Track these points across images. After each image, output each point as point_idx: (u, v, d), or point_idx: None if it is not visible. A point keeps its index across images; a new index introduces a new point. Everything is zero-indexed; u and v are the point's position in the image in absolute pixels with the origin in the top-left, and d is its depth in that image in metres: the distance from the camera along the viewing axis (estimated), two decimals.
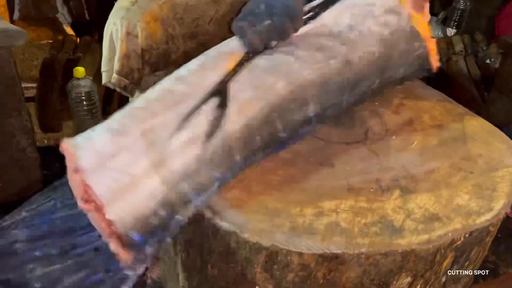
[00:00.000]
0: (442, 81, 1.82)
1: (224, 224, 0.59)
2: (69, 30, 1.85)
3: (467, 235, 0.61)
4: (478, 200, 0.66)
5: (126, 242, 0.51)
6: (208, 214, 0.60)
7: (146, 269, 1.01)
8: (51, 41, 1.67)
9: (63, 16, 1.92)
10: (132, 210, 0.51)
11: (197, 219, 0.62)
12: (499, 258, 1.17)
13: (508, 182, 0.69)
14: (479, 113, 1.64)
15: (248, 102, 0.62)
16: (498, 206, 0.65)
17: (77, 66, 1.54)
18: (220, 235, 0.60)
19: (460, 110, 0.88)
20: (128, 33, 0.93)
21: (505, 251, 1.20)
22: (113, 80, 0.96)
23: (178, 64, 1.03)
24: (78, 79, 1.25)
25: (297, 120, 0.66)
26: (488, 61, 1.88)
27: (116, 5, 0.99)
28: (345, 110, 0.73)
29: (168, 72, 1.04)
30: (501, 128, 1.49)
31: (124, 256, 0.52)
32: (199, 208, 0.59)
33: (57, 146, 0.73)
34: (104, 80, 0.98)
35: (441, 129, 0.81)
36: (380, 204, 0.64)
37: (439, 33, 2.10)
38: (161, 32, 0.97)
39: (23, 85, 1.52)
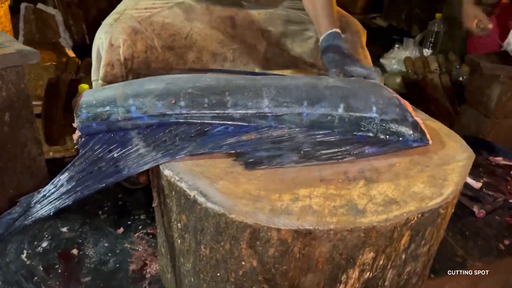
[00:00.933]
0: (419, 96, 1.97)
1: (215, 207, 0.70)
2: (71, 53, 1.98)
3: (419, 216, 0.73)
4: (431, 188, 0.77)
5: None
6: (201, 200, 0.71)
7: (145, 264, 1.11)
8: (55, 62, 1.79)
9: (65, 40, 2.05)
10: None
11: (192, 206, 0.73)
12: (467, 253, 1.28)
13: (457, 174, 0.81)
14: (452, 124, 1.79)
15: None
16: (447, 192, 0.77)
17: (79, 83, 1.67)
18: (211, 217, 0.71)
19: (422, 116, 1.00)
20: (111, 45, 1.08)
21: (473, 247, 1.31)
22: (99, 86, 1.09)
23: (158, 70, 1.18)
24: None
25: (249, 104, 0.81)
26: (460, 78, 2.03)
27: (102, 24, 1.15)
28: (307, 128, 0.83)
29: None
30: (478, 140, 1.62)
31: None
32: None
33: (61, 158, 0.84)
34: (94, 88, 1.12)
35: None
36: (347, 191, 0.75)
37: (416, 53, 2.26)
38: (141, 43, 1.12)
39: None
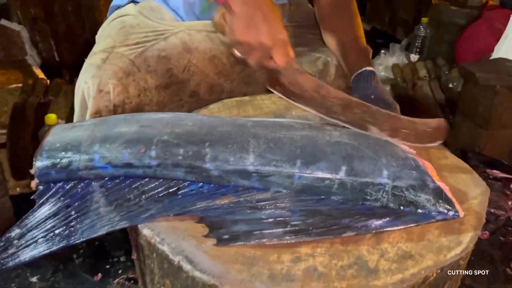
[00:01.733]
0: (409, 106, 1.89)
1: (203, 277, 0.59)
2: (39, 72, 1.84)
3: (439, 271, 0.64)
4: (448, 235, 0.68)
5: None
6: (187, 267, 0.61)
7: None
8: (21, 84, 1.66)
9: (32, 58, 1.92)
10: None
11: (177, 272, 0.62)
12: (475, 281, 1.20)
13: (473, 215, 0.72)
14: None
15: None
16: (467, 239, 0.68)
17: (48, 109, 1.54)
18: (200, 287, 0.60)
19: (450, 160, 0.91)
20: (100, 90, 0.94)
21: (480, 273, 1.23)
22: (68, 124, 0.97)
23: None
24: (50, 126, 1.25)
25: (231, 160, 0.69)
26: (450, 85, 1.97)
27: (87, 62, 1.00)
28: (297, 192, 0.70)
29: None
30: (468, 152, 1.55)
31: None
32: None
33: (30, 193, 0.73)
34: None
35: None
36: (355, 245, 0.65)
37: (403, 59, 2.19)
38: (134, 86, 0.98)
39: None
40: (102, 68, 0.96)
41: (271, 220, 0.66)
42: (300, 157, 0.70)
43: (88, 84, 0.95)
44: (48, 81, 1.76)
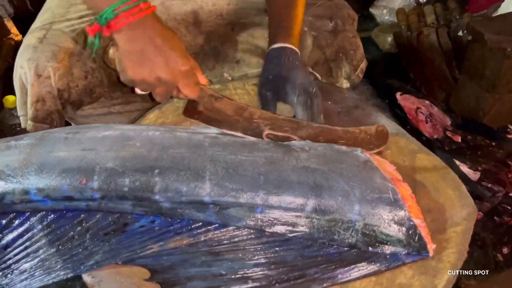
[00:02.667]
0: (413, 59, 1.74)
1: None
2: (11, 26, 1.70)
3: None
4: (422, 277, 0.62)
5: None
6: None
7: None
8: None
9: (3, 8, 1.76)
10: None
11: None
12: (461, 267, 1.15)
13: (454, 248, 0.65)
14: (449, 95, 1.59)
15: None
16: (442, 282, 0.61)
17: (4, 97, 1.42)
18: None
19: (413, 146, 0.82)
20: (38, 76, 0.83)
21: (468, 259, 1.19)
22: (28, 128, 0.87)
23: (105, 97, 0.95)
24: (10, 109, 1.15)
25: (184, 190, 0.61)
26: (460, 32, 1.79)
27: (23, 43, 0.87)
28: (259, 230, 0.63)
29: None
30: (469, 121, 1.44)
31: None
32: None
33: None
34: (22, 125, 0.90)
35: None
36: None
37: (411, 0, 1.98)
38: (79, 67, 0.87)
39: None
40: (39, 50, 0.83)
41: (230, 275, 0.59)
42: (263, 186, 0.62)
43: (24, 68, 0.84)
44: (20, 36, 1.62)
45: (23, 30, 1.74)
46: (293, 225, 0.62)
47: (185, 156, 0.64)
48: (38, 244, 0.63)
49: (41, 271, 0.60)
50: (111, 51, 0.64)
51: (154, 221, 0.64)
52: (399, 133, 0.84)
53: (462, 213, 0.70)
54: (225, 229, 0.63)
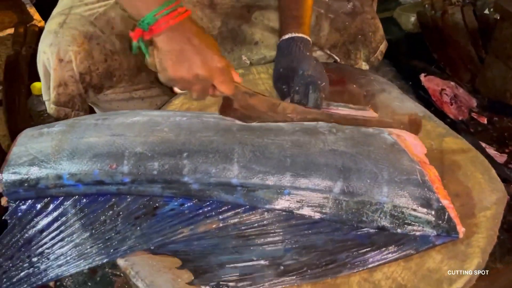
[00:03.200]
0: (437, 39, 1.70)
1: None
2: (33, 12, 1.72)
3: None
4: (451, 262, 0.61)
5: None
6: None
7: None
8: (12, 30, 1.55)
9: None
10: None
11: None
12: None
13: (483, 233, 0.65)
14: (475, 76, 1.55)
15: None
16: (471, 267, 0.61)
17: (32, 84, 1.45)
18: None
19: (440, 129, 0.81)
20: (60, 60, 0.85)
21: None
22: (50, 111, 0.89)
23: (125, 81, 0.96)
24: (38, 96, 1.17)
25: (213, 172, 0.62)
26: (487, 10, 1.74)
27: (45, 29, 0.89)
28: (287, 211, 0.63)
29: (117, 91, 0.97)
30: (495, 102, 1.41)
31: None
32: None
33: None
34: (47, 110, 0.92)
35: None
36: (345, 277, 0.60)
37: None
38: (98, 50, 0.88)
39: None
40: (60, 34, 0.85)
41: (261, 262, 0.59)
42: (290, 168, 0.62)
43: (46, 54, 0.85)
44: (43, 22, 1.64)
45: (46, 16, 1.75)
46: (321, 206, 0.62)
47: (213, 139, 0.65)
48: (72, 228, 0.64)
49: (76, 256, 0.62)
50: (150, 56, 0.66)
51: (183, 204, 0.64)
52: (426, 116, 0.83)
53: (491, 197, 0.69)
54: (254, 211, 0.63)
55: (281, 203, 0.62)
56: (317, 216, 0.62)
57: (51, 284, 1.02)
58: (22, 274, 0.62)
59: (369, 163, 0.63)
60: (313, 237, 0.61)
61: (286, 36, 0.85)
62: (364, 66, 1.07)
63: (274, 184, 0.62)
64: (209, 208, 0.64)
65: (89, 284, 1.03)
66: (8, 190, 0.65)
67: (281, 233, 0.62)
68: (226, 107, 0.72)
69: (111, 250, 0.62)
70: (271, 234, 0.61)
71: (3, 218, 0.66)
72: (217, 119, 0.70)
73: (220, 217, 0.63)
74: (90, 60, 0.87)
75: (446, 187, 0.69)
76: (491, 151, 1.31)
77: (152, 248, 0.61)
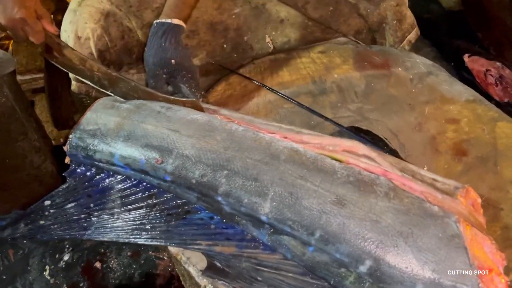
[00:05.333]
0: (481, 18, 1.63)
1: None
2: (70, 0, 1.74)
3: None
4: (507, 250, 0.59)
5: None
6: None
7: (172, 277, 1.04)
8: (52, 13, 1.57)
9: None
10: None
11: None
12: None
13: None
14: None
15: None
16: None
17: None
18: None
19: (492, 113, 0.78)
20: (78, 37, 0.86)
21: None
22: (72, 88, 0.92)
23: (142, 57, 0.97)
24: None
25: (244, 201, 0.58)
26: None
27: (68, 9, 0.91)
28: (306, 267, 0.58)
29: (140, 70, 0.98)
30: None
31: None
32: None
33: None
34: (72, 88, 0.94)
35: (469, 145, 0.72)
36: None
37: None
38: (115, 27, 0.88)
39: (31, 76, 1.48)
40: (78, 12, 0.87)
41: None
42: (323, 227, 0.54)
43: (67, 32, 0.88)
44: None
45: None
46: (342, 277, 0.55)
47: (256, 164, 0.59)
48: (113, 204, 0.67)
49: (111, 227, 0.65)
50: None
51: (213, 218, 0.63)
52: (476, 99, 0.80)
53: None
54: (273, 254, 0.59)
55: (302, 258, 0.57)
56: (334, 284, 0.56)
57: (97, 265, 1.06)
58: (68, 224, 0.67)
59: (412, 251, 0.51)
60: None
61: (158, 21, 0.83)
62: None
63: (301, 237, 0.56)
64: (233, 231, 0.62)
65: (134, 266, 1.06)
66: (71, 151, 0.69)
67: (291, 284, 0.58)
68: (48, 52, 0.76)
69: (137, 233, 0.64)
70: (281, 281, 0.58)
71: (63, 174, 0.73)
72: (271, 140, 0.62)
73: (240, 244, 0.61)
74: (107, 37, 0.88)
75: (500, 174, 0.67)
76: None
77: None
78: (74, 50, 0.76)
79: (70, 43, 0.87)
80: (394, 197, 0.55)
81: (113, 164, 0.67)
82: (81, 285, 1.05)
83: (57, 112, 1.34)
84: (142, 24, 0.90)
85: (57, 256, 1.09)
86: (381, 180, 0.56)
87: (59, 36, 0.77)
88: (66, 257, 1.09)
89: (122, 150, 0.66)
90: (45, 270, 1.06)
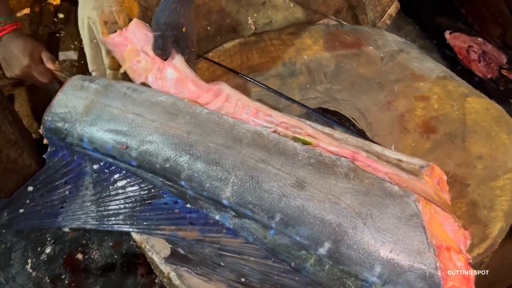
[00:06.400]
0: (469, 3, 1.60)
1: None
2: None
3: None
4: (472, 227, 0.59)
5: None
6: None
7: None
8: (28, 10, 1.56)
9: None
10: None
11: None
12: None
13: (508, 195, 0.62)
14: (505, 30, 1.46)
15: None
16: (494, 232, 0.59)
17: (59, 39, 1.46)
18: None
19: (462, 89, 0.76)
20: (106, 22, 0.84)
21: None
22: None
23: None
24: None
25: (206, 186, 0.58)
26: None
27: None
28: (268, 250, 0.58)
29: None
30: None
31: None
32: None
33: None
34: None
35: (438, 122, 0.71)
36: None
37: None
38: (136, 7, 0.88)
39: None
40: None
41: (227, 268, 0.56)
42: (282, 211, 0.54)
43: (92, 18, 0.85)
44: (58, 0, 1.64)
45: None
46: (302, 260, 0.55)
47: (218, 148, 0.59)
48: (86, 191, 0.67)
49: (80, 214, 0.65)
50: None
51: (177, 202, 0.63)
52: (447, 76, 0.79)
53: None
54: (235, 237, 0.59)
55: (264, 241, 0.57)
56: (295, 267, 0.56)
57: (79, 256, 1.06)
58: (42, 212, 0.68)
59: (370, 232, 0.50)
60: (285, 281, 0.56)
61: None
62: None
63: (262, 220, 0.56)
64: (197, 215, 0.62)
65: (116, 256, 1.06)
66: (46, 134, 0.70)
67: (253, 268, 0.57)
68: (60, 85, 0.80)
69: (103, 220, 0.64)
70: (243, 265, 0.57)
71: (43, 156, 0.74)
72: (234, 123, 0.62)
73: (203, 228, 0.61)
74: (132, 15, 0.87)
75: (468, 150, 0.67)
76: None
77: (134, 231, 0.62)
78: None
79: (98, 29, 0.84)
80: (354, 177, 0.54)
81: (83, 148, 0.67)
82: (63, 277, 1.05)
83: (37, 105, 1.33)
84: (156, 2, 0.89)
85: (39, 249, 1.09)
86: (342, 161, 0.56)
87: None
88: (48, 250, 1.09)
89: (90, 134, 0.66)
90: (27, 264, 1.07)
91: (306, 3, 0.98)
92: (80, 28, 0.88)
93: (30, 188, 0.72)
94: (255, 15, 0.96)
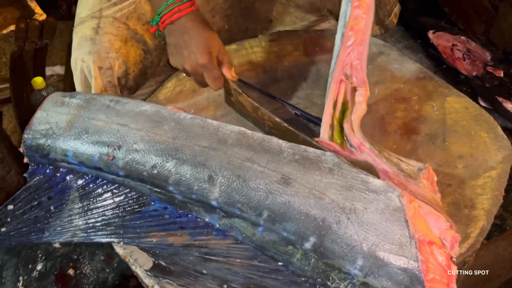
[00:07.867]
0: None
1: None
2: (34, 6, 1.72)
3: None
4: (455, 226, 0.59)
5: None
6: None
7: None
8: (14, 27, 1.56)
9: None
10: None
11: None
12: (506, 210, 1.11)
13: (489, 194, 0.62)
14: (489, 27, 1.47)
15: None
16: (476, 231, 0.59)
17: (46, 54, 1.46)
18: None
19: (442, 89, 0.77)
20: (100, 68, 0.83)
21: None
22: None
23: (155, 77, 0.95)
24: (39, 90, 1.18)
25: (194, 188, 0.59)
26: None
27: (77, 34, 0.86)
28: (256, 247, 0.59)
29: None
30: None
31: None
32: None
33: None
34: None
35: (418, 123, 0.72)
36: None
37: None
38: (135, 51, 0.87)
39: None
40: (97, 41, 0.83)
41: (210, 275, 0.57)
42: (269, 207, 0.56)
43: (86, 62, 0.84)
44: (44, 15, 1.64)
45: (46, 10, 1.76)
46: (289, 255, 0.56)
47: (204, 151, 0.60)
48: (73, 204, 0.66)
49: (68, 227, 0.65)
50: None
51: (166, 208, 0.64)
52: (427, 76, 0.79)
53: (497, 156, 0.66)
54: (224, 238, 0.60)
55: (253, 239, 0.59)
56: (282, 263, 0.57)
57: (71, 272, 1.06)
58: (27, 228, 0.67)
59: (354, 225, 0.52)
60: (269, 282, 0.57)
61: None
62: (379, 30, 1.03)
63: (250, 218, 0.57)
64: (186, 219, 0.63)
65: (107, 270, 1.06)
66: (27, 152, 0.69)
67: (237, 272, 0.58)
68: (227, 99, 0.76)
69: (94, 232, 0.64)
70: (227, 269, 0.58)
71: (24, 175, 0.72)
72: (219, 125, 0.64)
73: (193, 232, 0.61)
74: (128, 63, 0.86)
75: (449, 150, 0.67)
76: (508, 105, 1.25)
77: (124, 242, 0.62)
78: (248, 97, 0.75)
79: (92, 73, 0.84)
80: (338, 173, 0.56)
81: (68, 163, 0.67)
82: None
83: (23, 119, 1.33)
84: (156, 43, 0.90)
85: (30, 266, 1.08)
86: (327, 155, 0.58)
87: (240, 80, 0.77)
88: (39, 267, 1.08)
89: (75, 148, 0.66)
90: (19, 281, 1.06)
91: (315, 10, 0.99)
92: (72, 67, 0.88)
93: (11, 207, 0.70)
94: (264, 31, 0.96)
